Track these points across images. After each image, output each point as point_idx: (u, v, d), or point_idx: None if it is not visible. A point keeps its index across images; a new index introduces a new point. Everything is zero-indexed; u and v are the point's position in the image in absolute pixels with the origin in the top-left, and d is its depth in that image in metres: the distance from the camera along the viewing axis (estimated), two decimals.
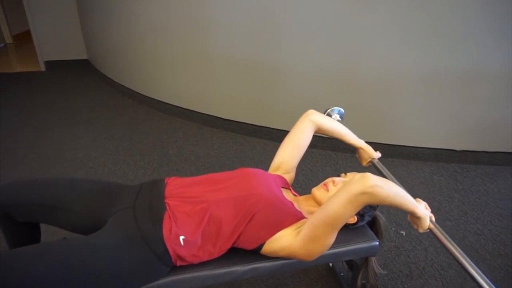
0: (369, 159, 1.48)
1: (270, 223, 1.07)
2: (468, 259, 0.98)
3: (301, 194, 1.40)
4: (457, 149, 2.47)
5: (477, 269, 0.95)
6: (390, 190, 0.97)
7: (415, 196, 1.08)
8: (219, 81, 2.79)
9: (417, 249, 1.77)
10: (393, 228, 1.90)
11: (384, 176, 1.35)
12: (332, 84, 2.47)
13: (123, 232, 1.00)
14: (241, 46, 2.57)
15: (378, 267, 1.38)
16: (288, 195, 1.25)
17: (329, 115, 1.67)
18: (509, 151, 2.44)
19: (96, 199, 1.14)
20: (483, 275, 0.94)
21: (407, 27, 2.20)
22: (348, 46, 2.33)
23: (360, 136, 2.63)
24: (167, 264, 1.02)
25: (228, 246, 1.07)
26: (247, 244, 1.08)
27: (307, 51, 2.42)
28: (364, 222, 1.25)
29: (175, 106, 3.10)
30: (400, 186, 1.08)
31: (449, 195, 2.18)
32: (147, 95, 3.30)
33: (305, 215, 1.15)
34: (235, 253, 1.11)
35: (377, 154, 1.46)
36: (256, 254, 1.11)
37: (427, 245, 1.79)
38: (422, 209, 1.06)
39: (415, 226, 1.10)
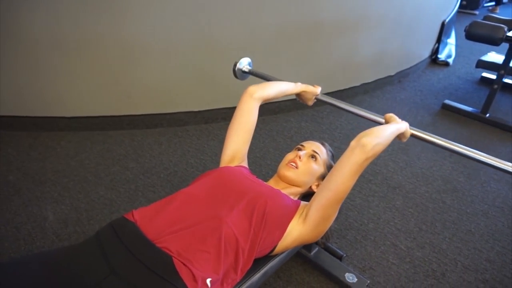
0: (313, 97, 1.41)
1: (280, 219, 0.97)
2: (456, 143, 1.12)
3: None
4: None
5: (467, 148, 1.10)
6: (383, 138, 0.99)
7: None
8: (50, 70, 2.16)
9: None
10: None
11: (335, 105, 1.41)
12: (193, 54, 2.30)
13: None
14: (74, 21, 2.03)
15: None
16: None
17: (240, 69, 1.62)
18: (342, 88, 2.94)
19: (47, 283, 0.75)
20: (475, 151, 1.09)
21: None
22: (205, 12, 2.18)
23: (229, 100, 2.63)
24: None
25: (250, 264, 0.91)
26: (263, 251, 0.95)
27: (161, 22, 2.14)
28: None
29: None
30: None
31: (320, 136, 2.49)
32: None
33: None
34: None
35: (319, 89, 1.40)
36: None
37: None
38: (401, 123, 1.11)
39: (400, 139, 1.15)
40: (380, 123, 1.19)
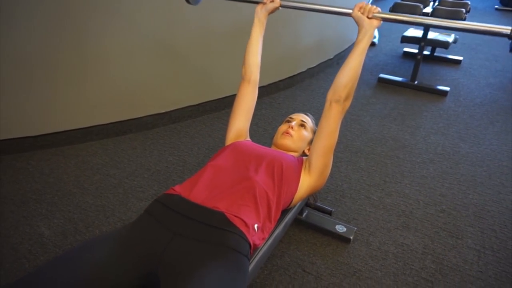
0: (279, 5, 1.38)
1: (294, 174, 1.16)
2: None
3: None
4: (264, 84, 3.01)
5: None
6: (348, 74, 1.13)
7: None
8: (7, 89, 2.10)
9: None
10: None
11: (300, 8, 1.39)
12: (153, 58, 2.38)
13: (211, 258, 0.85)
14: (31, 36, 2.00)
15: None
16: None
17: None
18: (291, 75, 3.20)
19: (118, 258, 0.85)
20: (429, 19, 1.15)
21: None
22: (161, 16, 2.28)
23: (193, 98, 2.74)
24: (248, 259, 0.95)
25: (279, 213, 1.09)
26: (287, 202, 1.13)
27: (120, 30, 2.19)
28: None
29: None
30: None
31: (281, 119, 2.69)
32: None
33: None
34: None
35: None
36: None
37: None
38: (368, 25, 1.13)
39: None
40: (348, 15, 1.22)
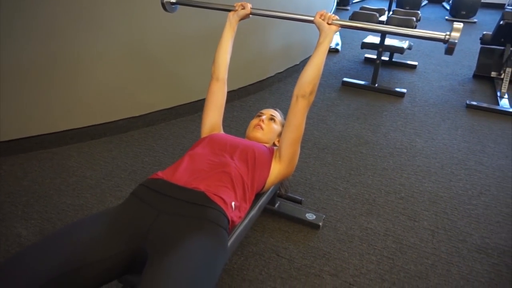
0: (249, 13, 1.49)
1: (265, 161, 1.27)
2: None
3: None
4: (235, 88, 3.14)
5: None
6: (313, 73, 1.25)
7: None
8: None
9: None
10: None
11: (269, 15, 1.47)
12: (127, 63, 2.45)
13: (193, 229, 0.94)
14: (1, 42, 2.03)
15: None
16: None
17: (168, 1, 1.57)
18: (260, 79, 3.35)
19: (107, 235, 0.93)
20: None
21: None
22: (138, 19, 2.36)
23: (166, 101, 2.81)
24: (227, 233, 1.05)
25: (253, 195, 1.20)
26: (260, 186, 1.24)
27: (93, 35, 2.25)
28: None
29: None
30: None
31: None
32: None
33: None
34: None
35: (249, 6, 1.47)
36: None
37: None
38: (328, 30, 1.27)
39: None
40: (311, 21, 1.35)
